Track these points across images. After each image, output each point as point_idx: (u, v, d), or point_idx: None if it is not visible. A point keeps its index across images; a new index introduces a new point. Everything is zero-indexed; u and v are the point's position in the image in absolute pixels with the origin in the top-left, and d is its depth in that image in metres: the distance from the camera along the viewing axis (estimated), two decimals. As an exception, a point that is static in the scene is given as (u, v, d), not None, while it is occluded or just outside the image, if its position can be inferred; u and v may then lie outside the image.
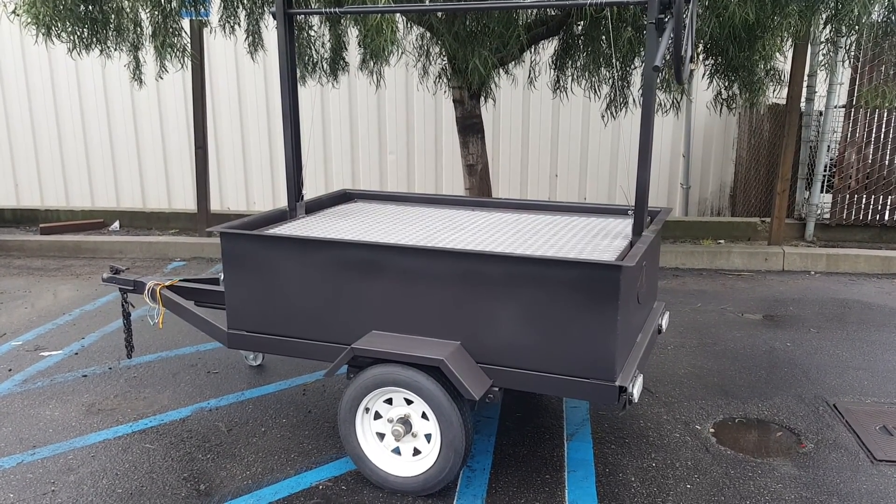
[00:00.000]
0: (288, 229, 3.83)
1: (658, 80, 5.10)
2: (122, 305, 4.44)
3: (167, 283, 4.24)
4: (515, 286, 3.05)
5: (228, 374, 4.64)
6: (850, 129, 7.65)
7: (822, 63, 6.55)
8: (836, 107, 7.66)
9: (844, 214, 7.86)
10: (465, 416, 3.16)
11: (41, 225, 8.55)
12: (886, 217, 7.78)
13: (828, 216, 7.91)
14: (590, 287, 2.94)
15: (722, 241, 7.83)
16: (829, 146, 7.81)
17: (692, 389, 4.36)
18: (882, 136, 7.63)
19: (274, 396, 4.32)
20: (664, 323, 3.93)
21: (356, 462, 3.35)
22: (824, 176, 7.84)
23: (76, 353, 5.03)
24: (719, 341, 5.16)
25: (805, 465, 3.52)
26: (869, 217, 7.82)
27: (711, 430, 3.88)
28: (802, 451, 3.65)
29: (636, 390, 3.09)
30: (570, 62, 6.83)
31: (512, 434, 3.84)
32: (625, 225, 3.92)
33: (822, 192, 7.90)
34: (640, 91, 6.77)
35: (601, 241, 3.52)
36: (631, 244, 3.44)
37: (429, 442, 3.25)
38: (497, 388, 3.18)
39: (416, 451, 3.29)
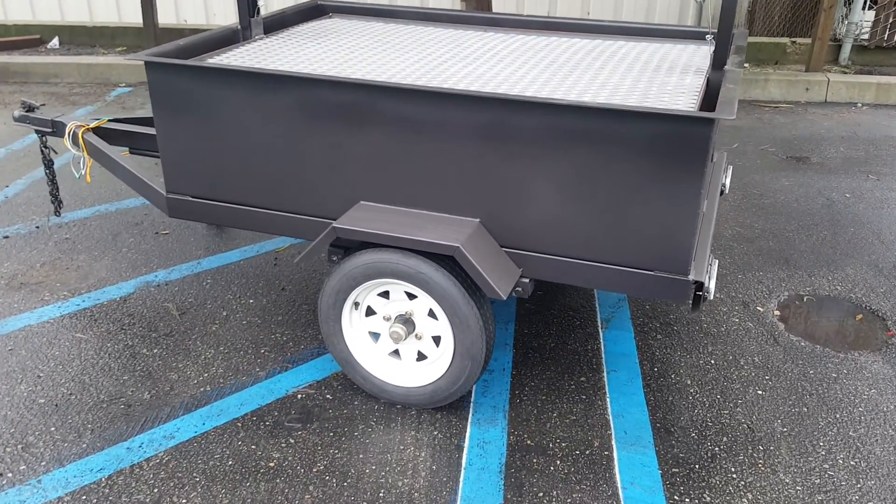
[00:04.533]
0: (240, 57, 2.84)
1: None
2: (42, 151, 3.52)
3: (92, 125, 3.29)
4: (558, 145, 2.18)
5: (181, 236, 3.81)
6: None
7: None
8: None
9: (886, 35, 6.84)
10: (486, 314, 2.40)
11: (-38, 42, 7.27)
12: (937, 38, 6.78)
13: (866, 37, 6.89)
14: (667, 148, 2.09)
15: (746, 66, 6.83)
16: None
17: (746, 257, 3.62)
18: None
19: (238, 267, 3.52)
20: (727, 182, 3.11)
21: (344, 367, 2.62)
22: (868, -10, 6.73)
23: (-5, 207, 4.15)
24: (766, 192, 4.37)
25: (900, 362, 2.86)
26: (915, 38, 6.81)
27: (776, 312, 3.17)
28: (893, 340, 2.98)
29: (712, 284, 2.34)
30: None
31: (534, 321, 3.11)
32: (690, 53, 2.98)
33: (864, 9, 6.83)
34: None
35: (668, 78, 2.60)
36: (708, 81, 2.53)
37: (437, 346, 2.50)
38: (527, 280, 2.41)
39: (421, 356, 2.56)
